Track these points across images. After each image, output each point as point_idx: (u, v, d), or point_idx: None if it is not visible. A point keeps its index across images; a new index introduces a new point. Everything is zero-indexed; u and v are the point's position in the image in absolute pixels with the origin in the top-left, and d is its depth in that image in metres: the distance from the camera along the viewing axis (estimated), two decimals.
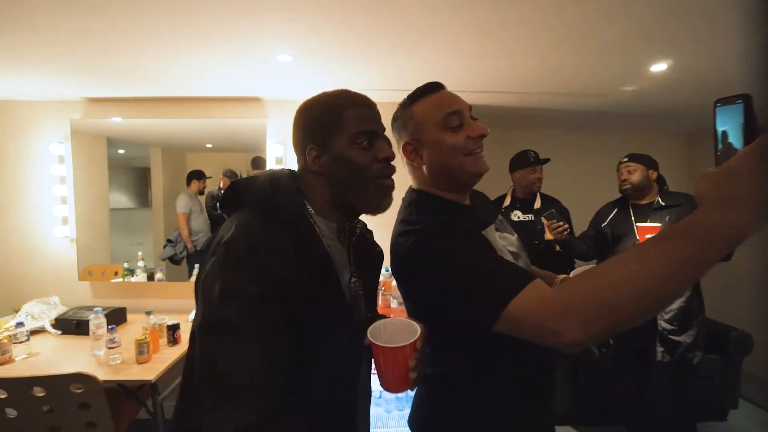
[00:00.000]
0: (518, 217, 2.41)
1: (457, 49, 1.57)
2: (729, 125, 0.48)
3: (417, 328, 0.69)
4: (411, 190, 0.84)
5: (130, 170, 2.75)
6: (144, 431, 1.82)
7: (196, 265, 2.56)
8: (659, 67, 1.67)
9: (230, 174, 2.84)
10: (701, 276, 0.50)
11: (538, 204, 2.35)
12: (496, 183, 2.71)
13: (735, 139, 0.47)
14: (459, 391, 0.78)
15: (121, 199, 2.69)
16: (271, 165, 2.44)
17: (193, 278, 2.27)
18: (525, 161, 2.32)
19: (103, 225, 2.60)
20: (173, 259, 2.77)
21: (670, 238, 0.49)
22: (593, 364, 2.12)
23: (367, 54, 1.63)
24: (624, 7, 1.24)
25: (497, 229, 0.83)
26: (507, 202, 2.45)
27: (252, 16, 1.31)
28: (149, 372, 1.55)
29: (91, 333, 1.72)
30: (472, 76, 1.87)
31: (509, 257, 0.78)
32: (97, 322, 1.72)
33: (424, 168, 0.78)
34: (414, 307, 0.81)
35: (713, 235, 0.46)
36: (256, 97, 2.36)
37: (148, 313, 1.76)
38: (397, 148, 0.81)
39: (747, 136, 0.46)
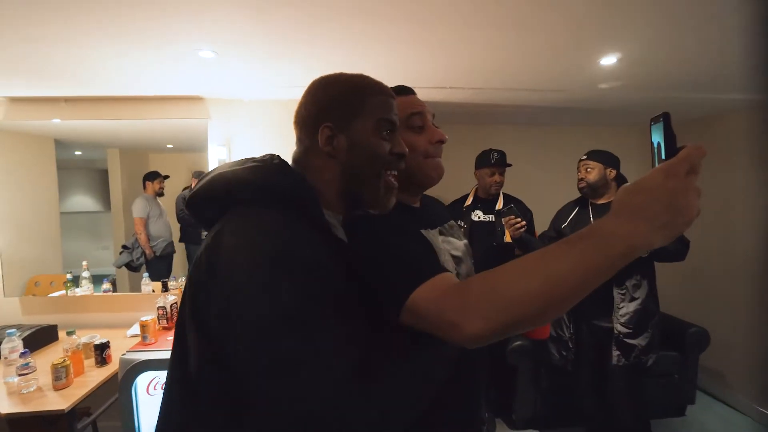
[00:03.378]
0: (479, 217, 2.34)
1: (401, 42, 1.47)
2: (658, 141, 0.51)
3: None
4: None
5: (91, 172, 2.66)
6: None
7: (146, 275, 2.42)
8: (609, 60, 1.62)
9: (199, 175, 2.68)
10: (599, 282, 0.46)
11: (500, 205, 2.29)
12: (453, 180, 2.64)
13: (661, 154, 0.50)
14: None
15: (84, 202, 2.62)
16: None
17: (146, 288, 2.09)
18: (486, 161, 2.26)
19: (53, 231, 2.43)
20: (130, 266, 2.62)
21: (571, 241, 0.48)
22: (555, 368, 2.08)
23: (303, 49, 1.51)
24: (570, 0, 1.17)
25: (441, 233, 0.81)
26: (469, 201, 2.39)
27: (159, 9, 1.18)
28: (64, 400, 1.40)
29: (3, 358, 1.56)
30: (421, 72, 1.78)
31: (449, 259, 0.76)
32: (11, 345, 1.55)
33: None
34: None
35: (609, 241, 0.46)
36: (197, 96, 2.20)
37: (70, 333, 1.60)
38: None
39: (667, 152, 0.49)
